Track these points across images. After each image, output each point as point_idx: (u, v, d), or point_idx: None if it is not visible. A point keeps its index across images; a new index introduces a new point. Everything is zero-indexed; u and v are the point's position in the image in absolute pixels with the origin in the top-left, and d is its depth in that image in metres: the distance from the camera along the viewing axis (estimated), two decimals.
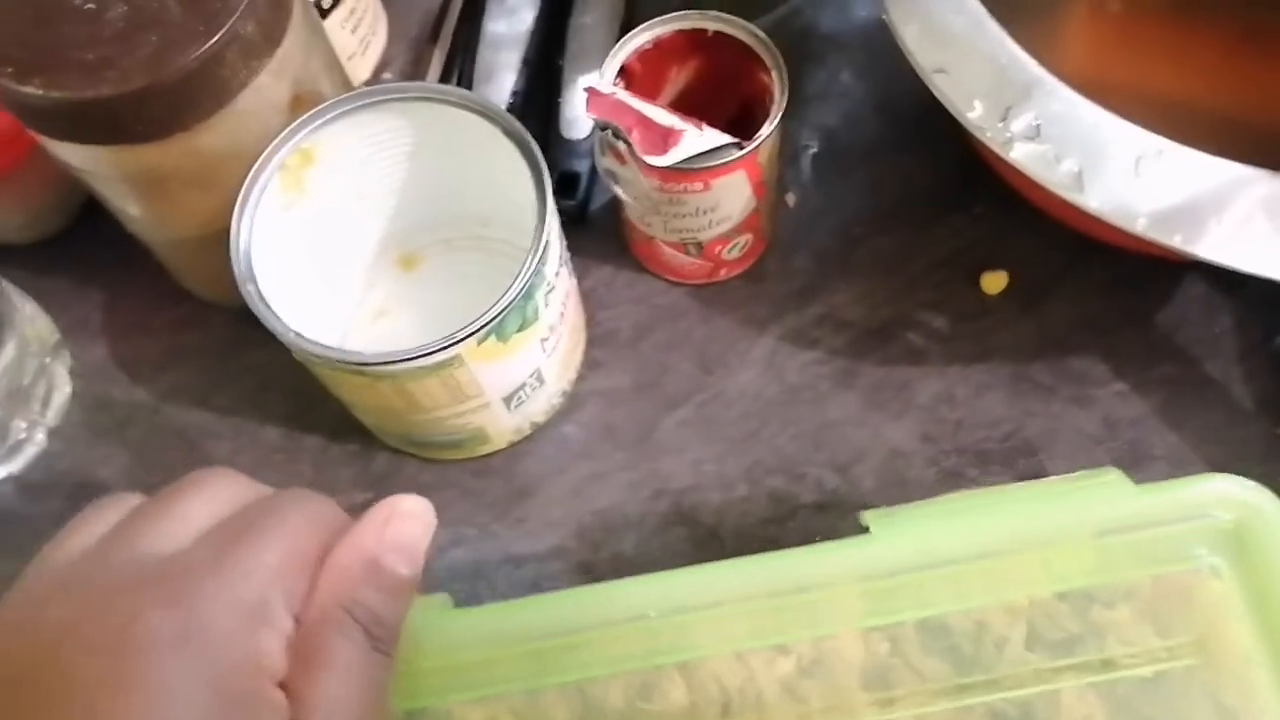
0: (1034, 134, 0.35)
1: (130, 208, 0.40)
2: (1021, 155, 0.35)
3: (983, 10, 0.36)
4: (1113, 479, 0.32)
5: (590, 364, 0.45)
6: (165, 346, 0.47)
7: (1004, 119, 0.35)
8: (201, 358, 0.46)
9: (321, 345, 0.34)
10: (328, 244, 0.42)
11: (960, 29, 0.36)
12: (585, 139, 0.47)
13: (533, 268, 0.34)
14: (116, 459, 0.45)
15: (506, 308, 0.34)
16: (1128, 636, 0.30)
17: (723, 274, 0.45)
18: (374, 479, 0.44)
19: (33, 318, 0.44)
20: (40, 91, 0.34)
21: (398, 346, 0.34)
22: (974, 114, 0.35)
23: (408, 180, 0.43)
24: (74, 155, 0.37)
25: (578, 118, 0.46)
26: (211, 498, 0.27)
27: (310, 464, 0.44)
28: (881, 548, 0.31)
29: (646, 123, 0.37)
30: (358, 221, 0.43)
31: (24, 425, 0.44)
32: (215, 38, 0.34)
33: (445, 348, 0.33)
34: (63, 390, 0.46)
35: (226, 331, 0.46)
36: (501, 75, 0.49)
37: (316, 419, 0.45)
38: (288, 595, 0.25)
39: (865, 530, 0.32)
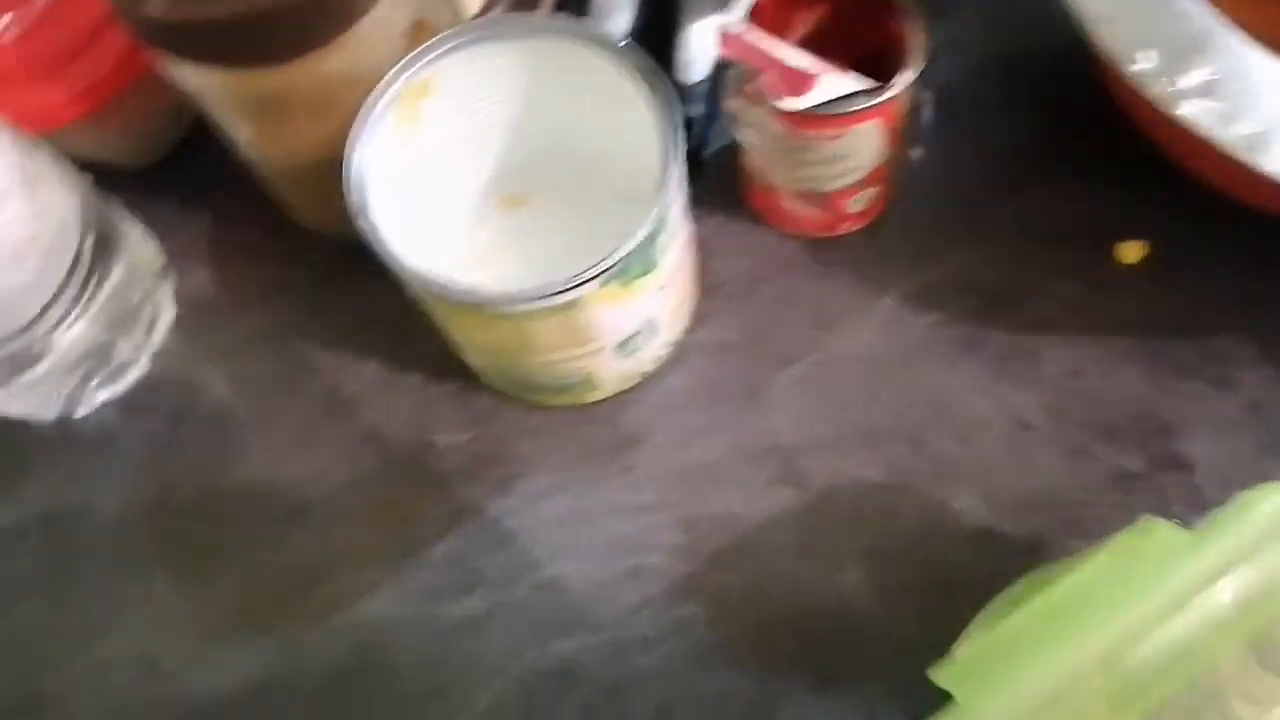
0: (1207, 90, 0.32)
1: (243, 133, 0.39)
2: (1192, 112, 0.32)
3: None
4: (1164, 532, 0.27)
5: (700, 315, 0.43)
6: (270, 275, 0.46)
7: (1173, 73, 0.33)
8: (305, 288, 0.46)
9: (442, 281, 0.32)
10: (439, 178, 0.41)
11: None
12: (701, 83, 0.44)
13: (660, 210, 0.33)
14: (217, 385, 0.45)
15: (632, 251, 0.32)
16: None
17: (843, 228, 0.43)
18: (475, 419, 0.43)
19: (140, 242, 0.44)
20: (162, 11, 0.33)
21: (502, 286, 0.32)
22: (1139, 67, 0.33)
23: (521, 117, 0.41)
24: (191, 77, 0.36)
25: (694, 60, 0.44)
26: None
27: (411, 400, 0.44)
28: None
29: (781, 65, 0.35)
30: (469, 157, 0.42)
31: (128, 348, 0.44)
32: None
33: (570, 289, 0.32)
34: (167, 315, 0.45)
35: (331, 263, 0.46)
36: (616, 15, 0.47)
37: (418, 356, 0.44)
38: None
39: (947, 698, 0.27)
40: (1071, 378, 0.41)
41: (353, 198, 0.34)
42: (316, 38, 0.34)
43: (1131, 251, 0.43)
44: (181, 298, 0.46)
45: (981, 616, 0.34)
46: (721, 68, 0.44)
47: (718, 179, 0.45)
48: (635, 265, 0.33)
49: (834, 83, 0.35)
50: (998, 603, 0.34)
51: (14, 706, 0.40)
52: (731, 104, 0.37)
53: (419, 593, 0.41)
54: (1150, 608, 0.26)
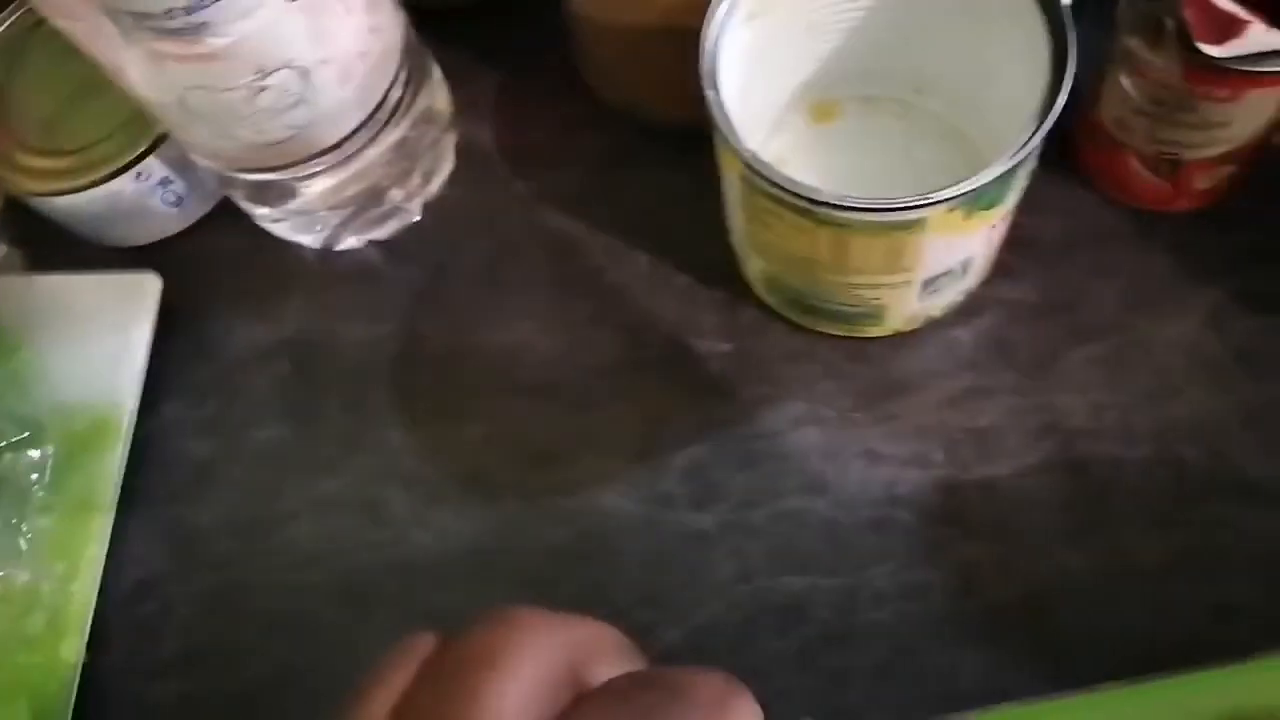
0: None
1: None
2: None
3: None
4: None
5: (1002, 269, 0.40)
6: (553, 143, 0.45)
7: None
8: (588, 164, 0.44)
9: (781, 173, 0.30)
10: (761, 71, 0.38)
11: None
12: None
13: (1036, 141, 0.29)
14: (481, 245, 0.44)
15: (996, 179, 0.29)
16: None
17: (1180, 204, 0.39)
18: (739, 332, 0.41)
19: (438, 86, 0.43)
20: None
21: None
22: None
23: (863, 21, 0.38)
24: None
25: None
26: (531, 668, 0.20)
27: (675, 300, 0.42)
28: None
29: (1205, 4, 0.31)
30: (796, 54, 0.40)
31: (402, 194, 0.43)
32: None
33: (921, 205, 0.29)
34: (445, 167, 0.44)
35: (618, 140, 0.44)
36: None
37: (690, 256, 0.42)
38: None
39: None
40: None
41: (705, 66, 0.31)
42: None
43: None
44: (460, 151, 0.45)
45: None
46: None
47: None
48: (988, 196, 0.30)
49: (1263, 34, 0.31)
50: None
51: (238, 526, 0.40)
52: (1130, 41, 0.34)
53: (653, 496, 0.39)
54: None
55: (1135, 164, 0.38)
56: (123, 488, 0.41)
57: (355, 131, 0.37)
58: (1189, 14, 0.31)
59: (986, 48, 0.35)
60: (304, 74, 0.33)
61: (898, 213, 0.29)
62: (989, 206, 0.31)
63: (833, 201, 0.29)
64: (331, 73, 0.34)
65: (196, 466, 0.42)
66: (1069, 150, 0.41)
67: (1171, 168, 0.37)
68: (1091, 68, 0.38)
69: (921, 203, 0.29)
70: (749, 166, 0.30)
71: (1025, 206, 0.40)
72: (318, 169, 0.38)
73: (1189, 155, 0.36)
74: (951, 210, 0.30)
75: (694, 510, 0.39)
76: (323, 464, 0.42)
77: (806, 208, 0.30)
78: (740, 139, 0.31)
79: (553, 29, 0.42)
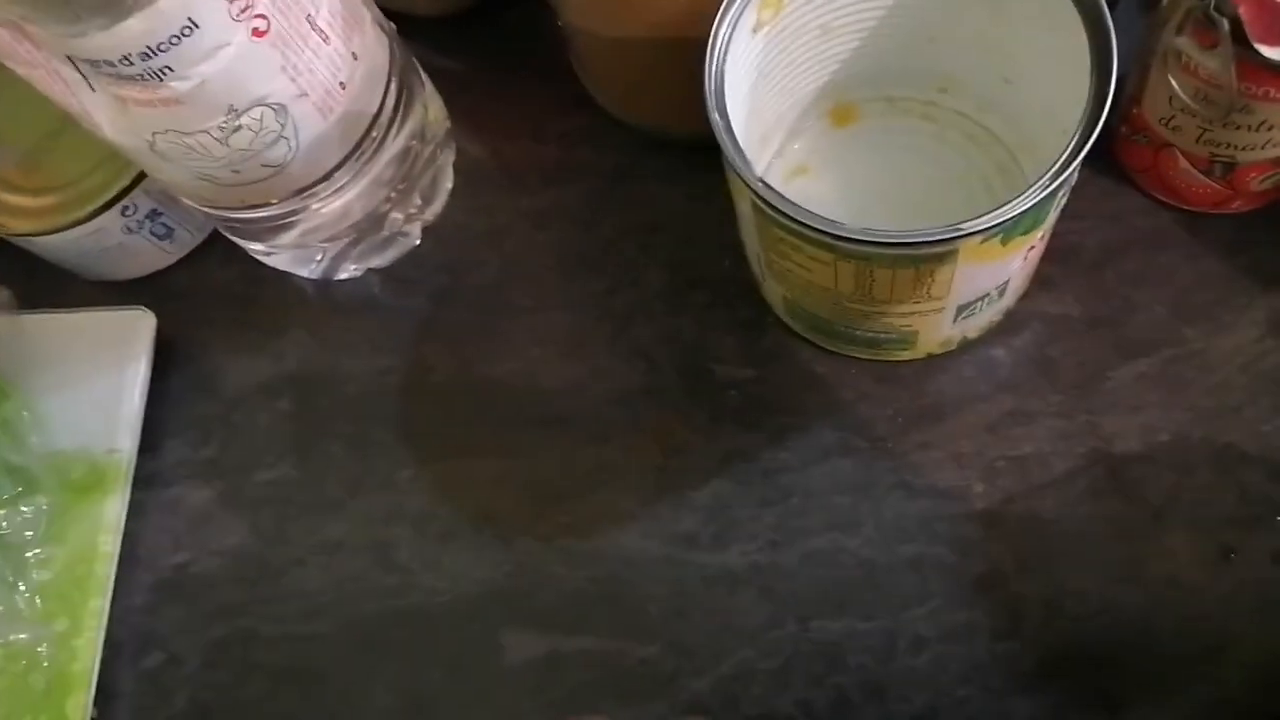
0: None
1: None
2: None
3: None
4: None
5: (1040, 281, 0.37)
6: (555, 157, 0.42)
7: None
8: (592, 178, 0.42)
9: (797, 205, 0.27)
10: (774, 77, 0.36)
11: None
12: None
13: (1076, 163, 0.27)
14: (486, 268, 0.42)
15: (1036, 204, 0.26)
16: None
17: (1235, 206, 0.36)
18: (761, 356, 0.38)
19: (431, 100, 0.41)
20: None
21: (814, 210, 0.27)
22: None
23: (882, 20, 0.35)
24: None
25: None
26: None
27: (693, 322, 0.39)
28: None
29: (1265, 2, 0.28)
30: (808, 60, 0.37)
31: (401, 219, 0.41)
32: None
33: (954, 238, 0.26)
34: (445, 186, 0.42)
35: (624, 153, 0.41)
36: None
37: (706, 273, 0.40)
38: None
39: None
40: None
41: (711, 87, 0.29)
42: None
43: None
44: (460, 169, 0.43)
45: None
46: None
47: None
48: (1027, 221, 0.28)
49: None
50: None
51: (244, 574, 0.39)
52: (1179, 41, 0.31)
53: (674, 535, 0.37)
54: None
55: (1184, 165, 0.34)
56: (124, 535, 0.39)
57: (343, 162, 0.34)
58: (1245, 12, 0.28)
59: (1015, 46, 0.33)
60: (280, 110, 0.30)
61: (926, 246, 0.27)
62: (1028, 230, 0.29)
63: (854, 236, 0.27)
64: (311, 106, 0.31)
65: (199, 511, 0.40)
66: (1111, 149, 0.38)
67: (1225, 169, 0.34)
68: (1133, 60, 0.35)
69: (952, 235, 0.26)
70: (760, 198, 0.28)
71: (1064, 212, 0.37)
72: (306, 203, 0.35)
73: (1244, 157, 0.33)
74: (986, 240, 0.27)
75: (718, 550, 0.37)
76: (328, 506, 0.40)
77: (827, 241, 0.28)
78: (750, 168, 0.28)
79: (550, 34, 0.39)
